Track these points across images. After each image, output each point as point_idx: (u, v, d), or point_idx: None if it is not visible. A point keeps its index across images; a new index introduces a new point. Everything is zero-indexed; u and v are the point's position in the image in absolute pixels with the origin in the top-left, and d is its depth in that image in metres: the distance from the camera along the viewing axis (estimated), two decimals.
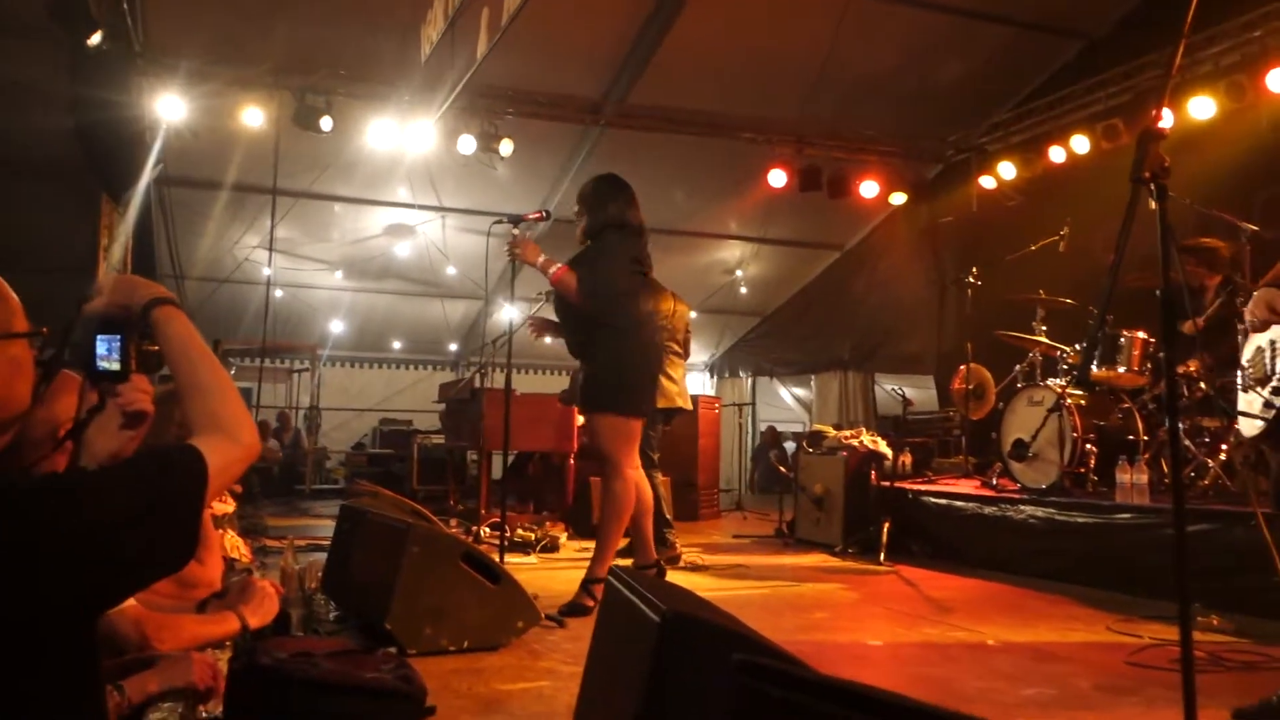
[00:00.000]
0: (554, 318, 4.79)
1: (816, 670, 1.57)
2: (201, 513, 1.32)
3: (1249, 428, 2.97)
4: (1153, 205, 2.16)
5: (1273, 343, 2.87)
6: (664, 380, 6.15)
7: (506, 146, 8.76)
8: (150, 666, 2.11)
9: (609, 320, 4.44)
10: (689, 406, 6.83)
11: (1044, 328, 6.61)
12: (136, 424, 1.59)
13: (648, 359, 4.66)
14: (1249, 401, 2.95)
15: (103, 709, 1.50)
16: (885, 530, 6.29)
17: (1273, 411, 2.75)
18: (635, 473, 4.52)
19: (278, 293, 11.38)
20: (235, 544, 4.99)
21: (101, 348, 1.52)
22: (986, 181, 9.83)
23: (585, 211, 4.61)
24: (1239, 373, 3.08)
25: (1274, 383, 2.77)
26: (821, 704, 1.30)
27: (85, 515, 1.21)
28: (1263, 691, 2.82)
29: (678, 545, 6.25)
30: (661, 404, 6.10)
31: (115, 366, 1.52)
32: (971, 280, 7.55)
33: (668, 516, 6.29)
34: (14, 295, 1.42)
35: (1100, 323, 2.11)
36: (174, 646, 2.30)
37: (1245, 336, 3.15)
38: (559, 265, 4.45)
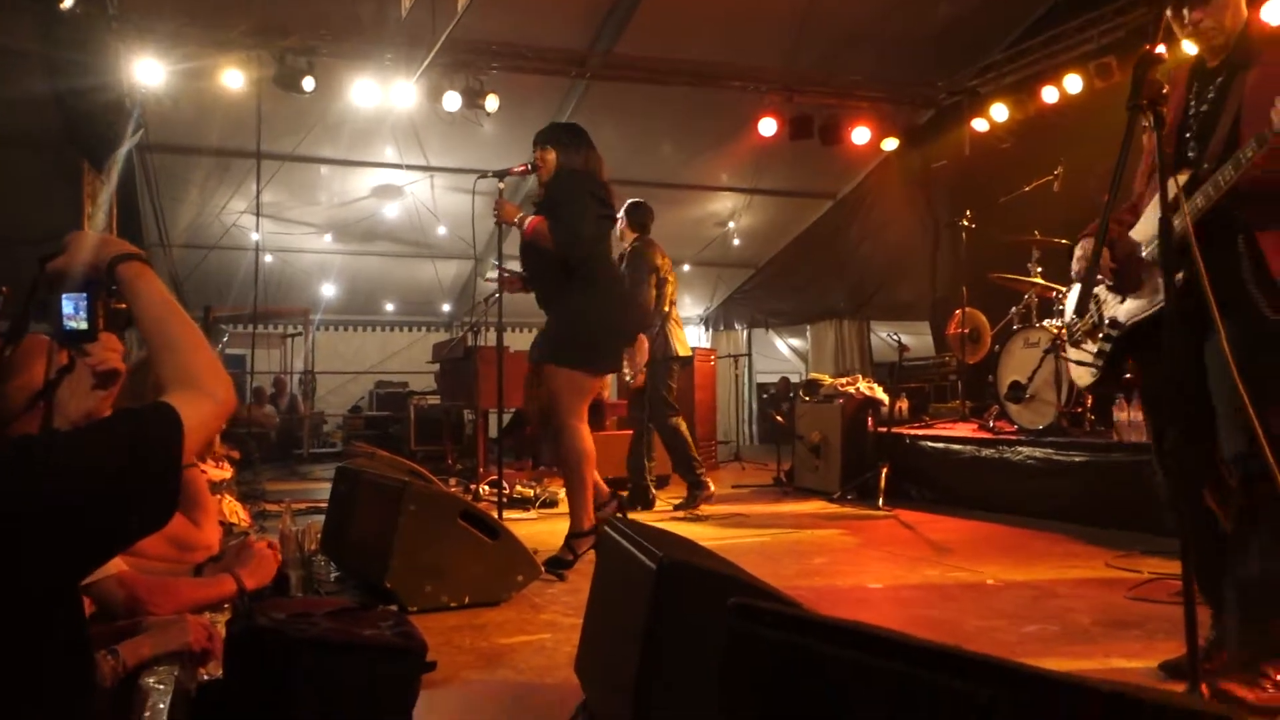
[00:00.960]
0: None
1: (814, 611, 1.56)
2: (179, 469, 1.29)
3: (1084, 377, 2.98)
4: (1148, 133, 2.13)
5: (1096, 296, 2.86)
6: (676, 329, 6.53)
7: (492, 102, 8.64)
8: (146, 631, 2.10)
9: (580, 265, 4.36)
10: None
11: (1039, 269, 6.56)
12: (108, 383, 1.55)
13: (614, 314, 4.55)
14: (1079, 355, 2.96)
15: (92, 672, 1.48)
16: (883, 475, 6.30)
17: (1104, 357, 2.76)
18: (583, 425, 4.43)
19: (267, 258, 11.27)
20: (234, 509, 4.98)
21: (68, 307, 1.48)
22: (979, 124, 9.72)
23: (560, 151, 4.49)
24: (1065, 328, 3.09)
25: (1103, 332, 2.77)
26: (816, 643, 1.28)
27: (60, 477, 1.18)
28: None
29: (710, 484, 6.44)
30: (681, 353, 6.51)
31: (83, 326, 1.48)
32: (965, 224, 7.50)
33: (697, 456, 6.49)
34: None
35: (1096, 258, 2.08)
36: (169, 610, 2.28)
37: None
38: (531, 217, 4.40)
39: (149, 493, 1.27)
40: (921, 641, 1.24)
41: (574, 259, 4.34)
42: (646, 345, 6.32)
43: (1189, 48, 2.53)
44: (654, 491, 6.59)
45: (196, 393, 1.37)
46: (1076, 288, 3.15)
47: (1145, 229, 2.68)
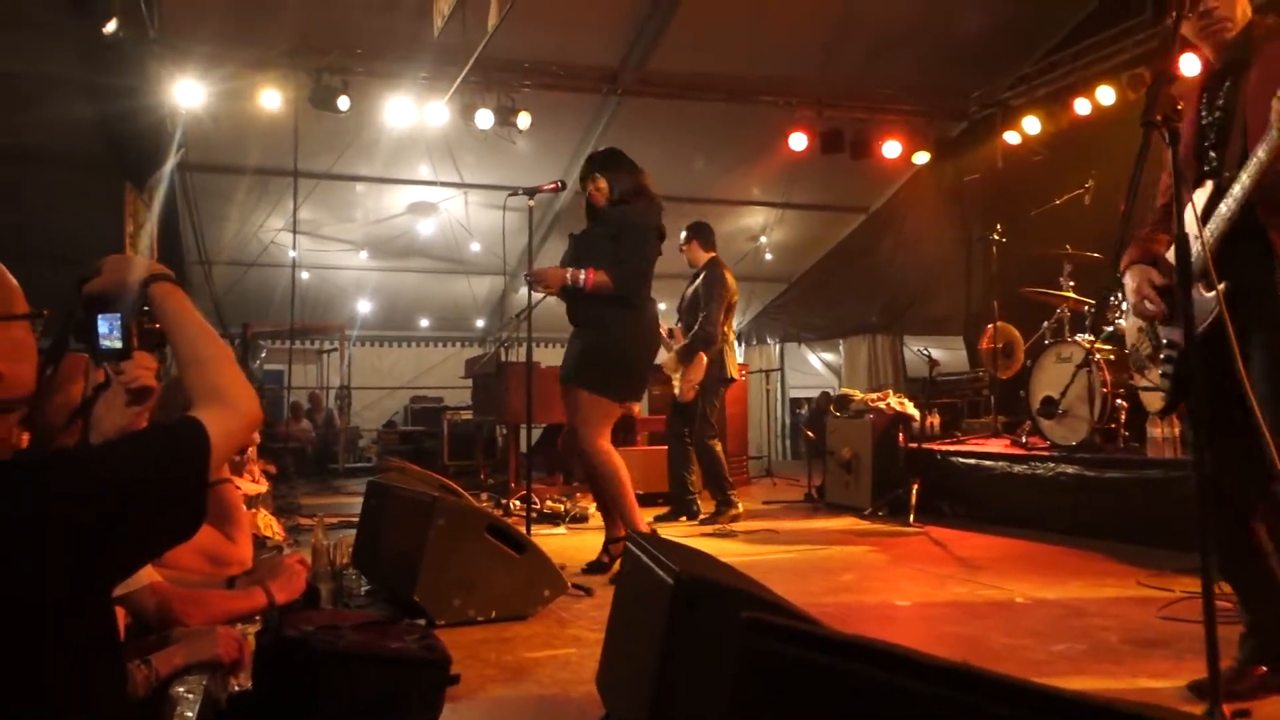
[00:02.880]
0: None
1: (831, 628, 1.57)
2: (205, 481, 1.33)
3: (1155, 403, 2.93)
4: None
5: (1148, 324, 2.81)
6: (730, 352, 6.70)
7: (524, 119, 8.73)
8: (178, 641, 2.15)
9: (632, 298, 4.40)
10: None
11: (1071, 283, 6.51)
12: (142, 400, 1.61)
13: (649, 345, 4.62)
14: (1147, 381, 2.90)
15: (122, 681, 1.52)
16: (914, 491, 6.26)
17: (1168, 381, 2.69)
18: (608, 444, 4.46)
19: (304, 274, 11.45)
20: (268, 523, 5.06)
21: (103, 326, 1.54)
22: (1011, 137, 9.67)
23: (611, 179, 4.51)
24: (1131, 358, 3.03)
25: (1163, 354, 2.71)
26: (829, 659, 1.29)
27: (90, 486, 1.22)
28: None
29: (739, 504, 6.53)
30: (727, 375, 6.65)
31: (118, 345, 1.54)
32: (997, 237, 7.47)
33: (729, 477, 6.61)
34: (13, 279, 1.43)
35: (1114, 269, 2.08)
36: (202, 621, 2.34)
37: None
38: (585, 272, 4.37)
39: (176, 504, 1.31)
40: (935, 659, 1.25)
41: (635, 299, 4.39)
42: (705, 363, 6.38)
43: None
44: (699, 504, 6.64)
45: (223, 406, 1.41)
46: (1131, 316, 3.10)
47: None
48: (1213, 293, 2.41)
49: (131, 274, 1.53)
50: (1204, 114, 2.60)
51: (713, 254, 6.71)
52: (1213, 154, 2.56)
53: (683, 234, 6.75)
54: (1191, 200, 2.37)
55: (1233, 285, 2.38)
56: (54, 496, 1.19)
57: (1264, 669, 2.50)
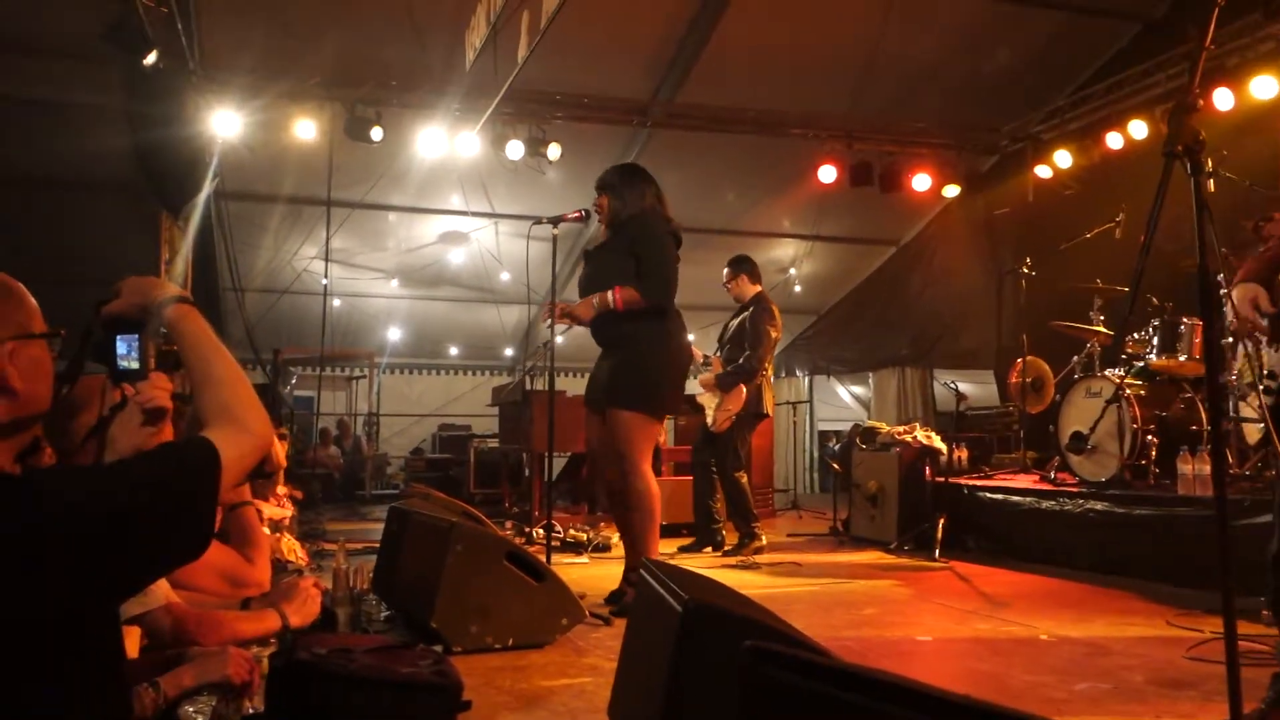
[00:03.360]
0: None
1: (836, 658, 1.55)
2: (215, 499, 1.35)
3: (1253, 434, 2.85)
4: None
5: (1253, 345, 2.73)
6: (768, 387, 6.74)
7: (554, 150, 8.81)
8: (189, 661, 2.16)
9: (665, 304, 4.35)
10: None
11: (1101, 317, 6.45)
12: (157, 420, 1.63)
13: (682, 358, 4.58)
14: (1247, 409, 2.83)
15: (128, 702, 1.53)
16: (940, 526, 6.19)
17: (1270, 412, 2.59)
18: (650, 468, 4.38)
19: (335, 302, 11.58)
20: (292, 547, 5.09)
21: (121, 348, 1.57)
22: (1043, 171, 9.63)
23: (614, 197, 4.50)
24: (1232, 382, 2.94)
25: (1265, 384, 2.61)
26: (831, 688, 1.28)
27: (99, 503, 1.23)
28: None
29: (763, 536, 6.52)
30: (763, 410, 6.68)
31: (135, 365, 1.58)
32: (1026, 271, 7.42)
33: (754, 511, 6.60)
34: (32, 299, 1.46)
35: (1131, 302, 2.06)
36: (215, 642, 2.35)
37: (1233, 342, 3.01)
38: (612, 291, 4.31)
39: (182, 522, 1.32)
40: (937, 691, 1.23)
41: (668, 306, 4.37)
42: (744, 396, 6.37)
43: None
44: (724, 534, 6.61)
45: (235, 427, 1.43)
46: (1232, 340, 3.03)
47: None
48: None
49: (149, 295, 1.56)
50: None
51: (759, 288, 6.72)
52: None
53: (726, 269, 6.76)
54: None
55: None
56: (55, 508, 1.20)
57: None
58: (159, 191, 7.66)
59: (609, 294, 4.32)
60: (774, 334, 6.60)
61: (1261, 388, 2.61)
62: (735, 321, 6.67)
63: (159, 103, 6.88)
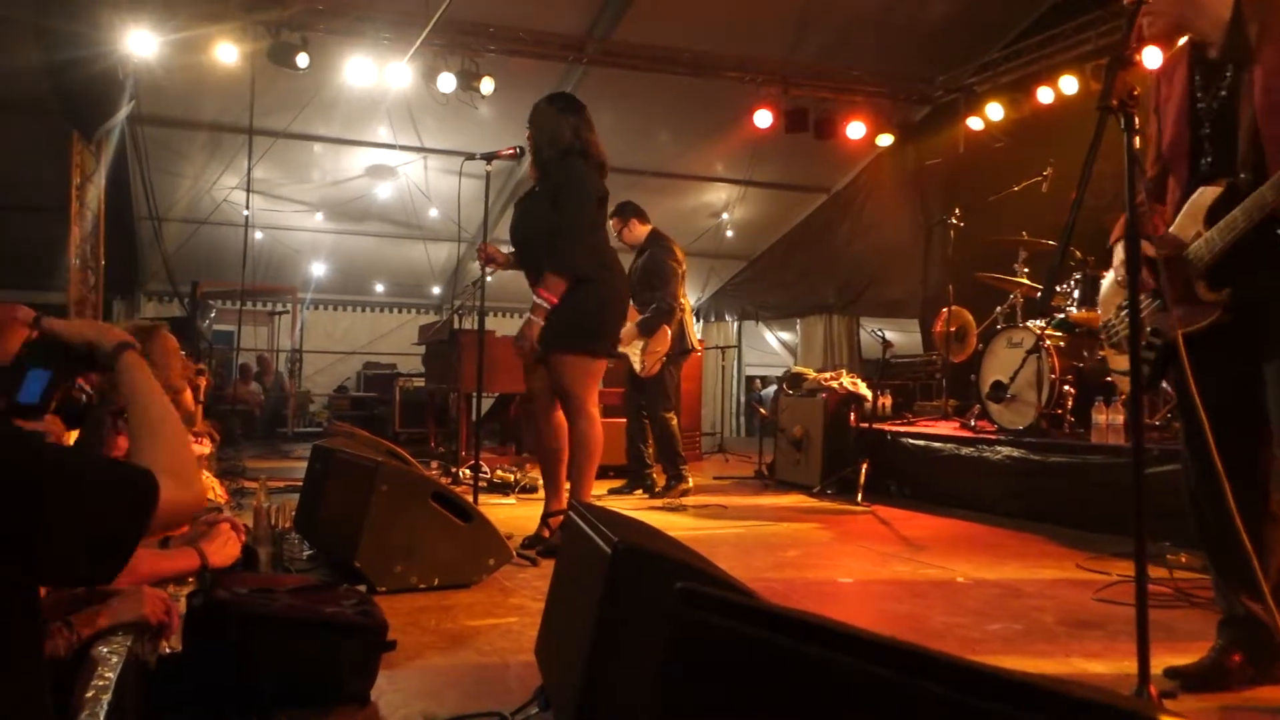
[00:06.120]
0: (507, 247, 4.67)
1: (767, 601, 1.56)
2: (142, 531, 1.30)
3: (1126, 386, 2.91)
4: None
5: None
6: (689, 320, 6.73)
7: (488, 85, 8.61)
8: (103, 602, 2.09)
9: (586, 272, 4.28)
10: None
11: (1026, 269, 6.57)
12: None
13: (618, 299, 4.53)
14: (1120, 361, 2.87)
15: (39, 641, 1.48)
16: (863, 471, 6.31)
17: (1147, 366, 2.62)
18: (596, 409, 4.43)
19: (257, 234, 11.24)
20: (211, 485, 4.97)
21: (31, 381, 1.52)
22: (974, 123, 9.72)
23: (536, 135, 4.41)
24: (1104, 332, 2.99)
25: (1146, 339, 2.63)
26: (760, 631, 1.29)
27: (23, 466, 1.20)
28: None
29: (690, 479, 6.59)
30: (688, 345, 6.68)
31: (34, 401, 1.53)
32: (955, 222, 7.51)
33: (681, 453, 6.65)
34: None
35: (1060, 255, 2.08)
36: (129, 582, 2.27)
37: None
38: (537, 292, 4.28)
39: (102, 541, 1.27)
40: (865, 633, 1.24)
41: (589, 271, 4.29)
42: (669, 336, 6.37)
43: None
44: (654, 477, 6.64)
45: (178, 484, 1.39)
46: (1104, 284, 3.06)
47: (1183, 231, 2.55)
48: (1214, 295, 2.43)
49: (105, 338, 1.54)
50: (1199, 97, 2.53)
51: (649, 226, 6.68)
52: (1209, 145, 2.50)
53: (612, 219, 6.41)
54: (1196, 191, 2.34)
55: (1242, 295, 2.39)
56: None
57: (1239, 657, 2.50)
58: (71, 112, 7.30)
59: (539, 299, 4.28)
60: (679, 268, 6.57)
61: (1143, 343, 2.63)
62: (638, 264, 6.62)
63: (70, 19, 6.54)
